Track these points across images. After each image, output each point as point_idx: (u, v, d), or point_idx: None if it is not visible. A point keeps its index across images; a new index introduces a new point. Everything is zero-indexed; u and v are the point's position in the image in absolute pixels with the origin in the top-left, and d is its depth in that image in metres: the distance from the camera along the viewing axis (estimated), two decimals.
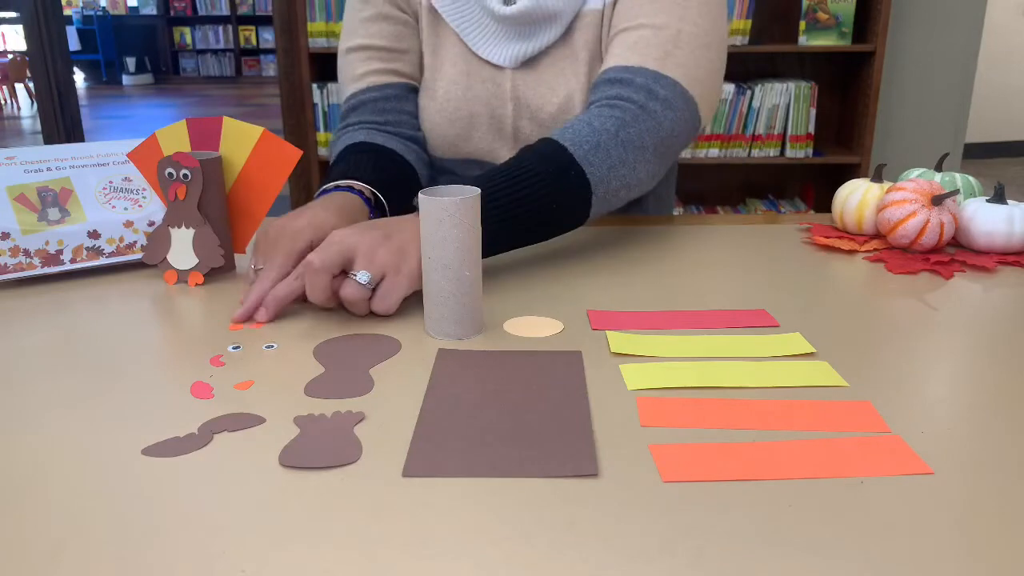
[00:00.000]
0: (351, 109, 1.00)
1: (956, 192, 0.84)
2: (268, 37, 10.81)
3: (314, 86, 2.65)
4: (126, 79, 10.98)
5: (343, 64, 1.01)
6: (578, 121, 0.83)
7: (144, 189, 0.85)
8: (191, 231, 0.77)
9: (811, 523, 0.41)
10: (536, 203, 0.77)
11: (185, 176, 0.75)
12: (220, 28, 11.08)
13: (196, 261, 0.78)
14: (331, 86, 2.66)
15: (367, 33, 0.98)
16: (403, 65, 0.99)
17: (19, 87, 8.72)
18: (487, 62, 0.96)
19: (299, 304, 0.72)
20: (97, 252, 0.81)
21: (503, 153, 0.99)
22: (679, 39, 0.86)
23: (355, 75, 0.99)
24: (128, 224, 0.83)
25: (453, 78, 0.97)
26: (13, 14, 9.38)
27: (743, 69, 2.77)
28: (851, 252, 0.87)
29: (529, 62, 0.95)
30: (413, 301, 0.72)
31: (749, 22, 2.57)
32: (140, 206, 0.84)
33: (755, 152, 2.68)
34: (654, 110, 0.84)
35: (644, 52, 0.85)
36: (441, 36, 0.98)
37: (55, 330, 0.67)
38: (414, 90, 1.01)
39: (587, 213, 0.82)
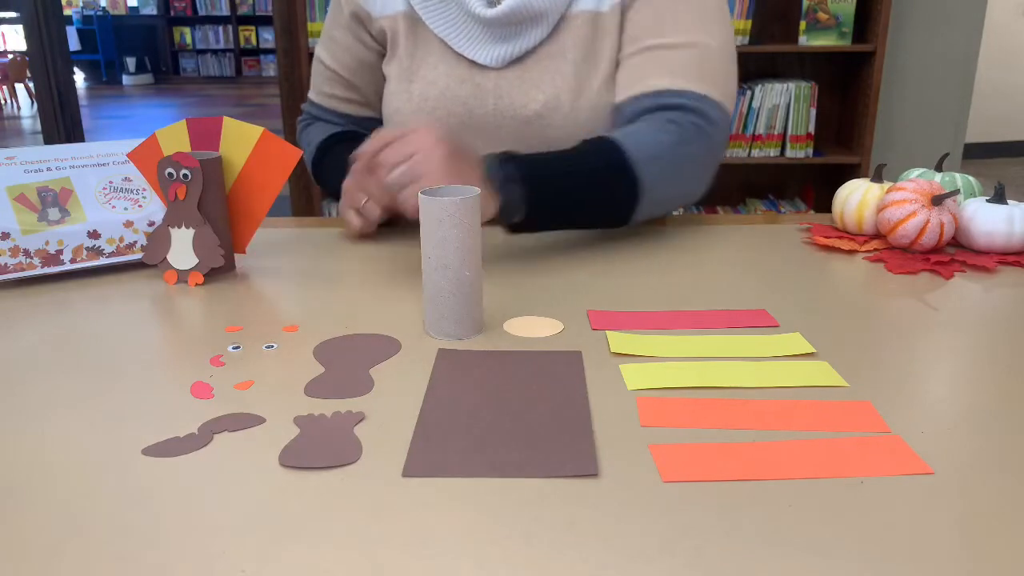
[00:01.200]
0: (317, 116, 1.09)
1: (956, 192, 0.84)
2: (268, 37, 10.82)
3: None
4: (126, 79, 10.98)
5: (316, 62, 1.08)
6: (640, 130, 0.87)
7: (144, 189, 0.85)
8: (191, 231, 0.77)
9: (811, 523, 0.41)
10: (585, 195, 0.84)
11: (185, 176, 0.75)
12: (220, 28, 11.08)
13: (196, 261, 0.78)
14: None
15: (334, 57, 1.04)
16: (362, 93, 1.06)
17: (19, 87, 8.72)
18: (469, 62, 0.96)
19: (298, 304, 0.72)
20: (97, 252, 0.81)
21: (483, 151, 0.98)
22: (710, 56, 0.91)
23: (321, 89, 1.07)
24: (128, 224, 0.83)
25: (431, 79, 0.97)
26: (13, 14, 9.38)
27: (743, 69, 2.74)
28: (851, 252, 0.87)
29: (513, 61, 0.96)
30: (413, 301, 0.72)
31: (749, 22, 2.57)
32: (140, 206, 0.84)
33: (755, 152, 2.68)
34: (708, 132, 0.89)
35: (686, 74, 0.90)
36: (420, 39, 0.98)
37: (55, 330, 0.67)
38: (361, 121, 1.08)
39: (630, 215, 0.88)
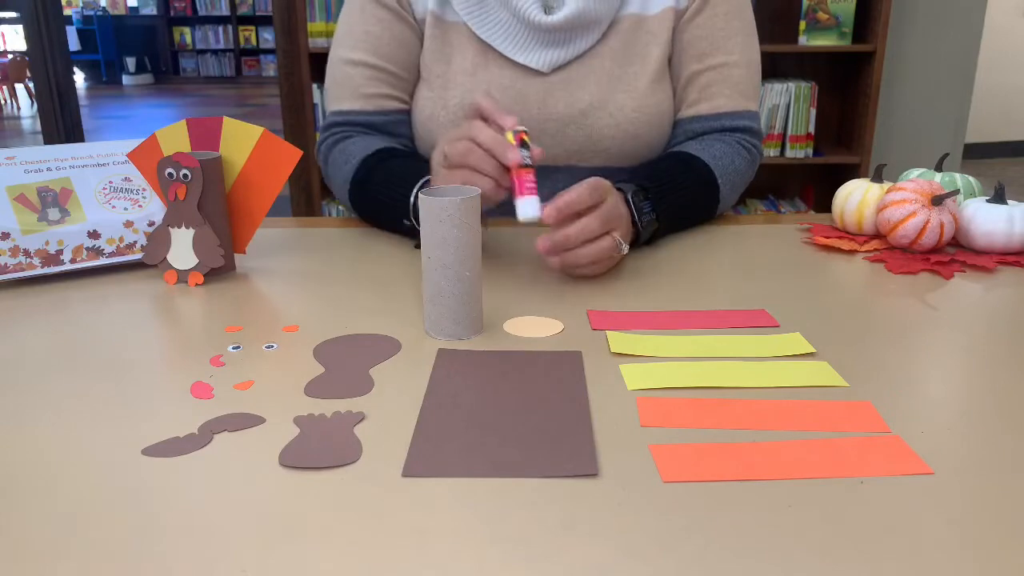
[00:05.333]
0: (353, 123, 0.99)
1: (956, 192, 0.84)
2: (268, 37, 10.81)
3: (314, 86, 2.65)
4: (126, 79, 10.97)
5: (342, 73, 0.99)
6: (724, 154, 0.96)
7: (144, 189, 0.85)
8: (191, 231, 0.77)
9: (811, 523, 0.41)
10: (690, 218, 0.94)
11: (185, 176, 0.76)
12: (220, 28, 11.07)
13: (196, 261, 0.78)
14: None
15: (376, 53, 0.97)
16: (406, 88, 1.00)
17: (19, 87, 8.72)
18: (509, 69, 0.95)
19: (298, 304, 0.72)
20: (97, 252, 0.81)
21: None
22: (757, 70, 1.01)
23: (360, 93, 0.98)
24: (128, 224, 0.83)
25: (469, 87, 0.95)
26: (13, 14, 9.38)
27: None
28: (851, 252, 0.87)
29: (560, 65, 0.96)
30: (413, 301, 0.72)
31: None
32: (140, 206, 0.84)
33: None
34: (760, 149, 1.03)
35: (745, 93, 0.99)
36: (453, 45, 0.97)
37: (55, 330, 0.67)
38: (410, 112, 1.02)
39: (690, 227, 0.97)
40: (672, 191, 0.88)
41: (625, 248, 0.76)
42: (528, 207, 0.71)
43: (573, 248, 0.73)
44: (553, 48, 0.95)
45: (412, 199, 0.85)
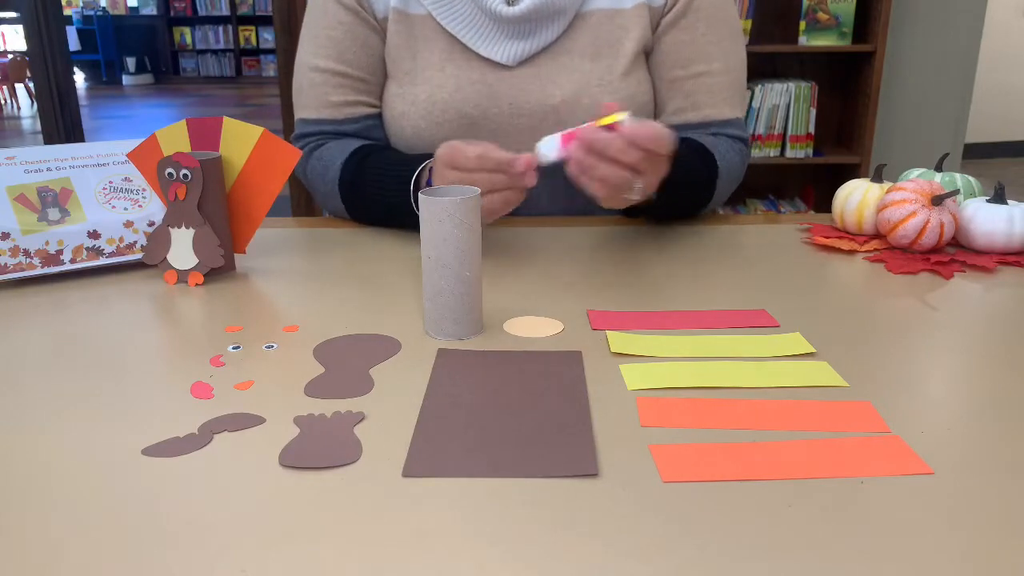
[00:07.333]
0: (324, 132, 1.00)
1: (956, 192, 0.84)
2: (268, 37, 10.81)
3: None
4: (126, 79, 10.97)
5: (308, 80, 0.99)
6: (719, 144, 0.98)
7: (144, 189, 0.85)
8: (191, 231, 0.77)
9: (811, 523, 0.41)
10: (690, 199, 0.95)
11: (185, 176, 0.76)
12: (220, 28, 11.08)
13: (196, 261, 0.78)
14: None
15: (339, 58, 0.97)
16: (372, 91, 1.00)
17: (19, 87, 8.72)
18: (480, 62, 0.95)
19: (298, 304, 0.72)
20: (97, 252, 0.81)
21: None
22: (742, 77, 1.01)
23: (328, 101, 0.98)
24: (128, 224, 0.83)
25: (438, 82, 0.95)
26: (13, 14, 9.38)
27: None
28: (851, 252, 0.87)
29: (527, 59, 0.96)
30: (413, 301, 0.72)
31: (749, 22, 2.57)
32: (140, 206, 0.84)
33: (755, 152, 2.68)
34: (748, 152, 1.05)
35: (731, 101, 1.00)
36: (419, 39, 0.97)
37: (55, 330, 0.67)
38: (380, 115, 1.01)
39: (685, 211, 0.99)
40: (684, 168, 0.86)
41: (639, 189, 0.71)
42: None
43: (597, 157, 0.69)
44: (517, 40, 0.95)
45: (412, 187, 0.86)
